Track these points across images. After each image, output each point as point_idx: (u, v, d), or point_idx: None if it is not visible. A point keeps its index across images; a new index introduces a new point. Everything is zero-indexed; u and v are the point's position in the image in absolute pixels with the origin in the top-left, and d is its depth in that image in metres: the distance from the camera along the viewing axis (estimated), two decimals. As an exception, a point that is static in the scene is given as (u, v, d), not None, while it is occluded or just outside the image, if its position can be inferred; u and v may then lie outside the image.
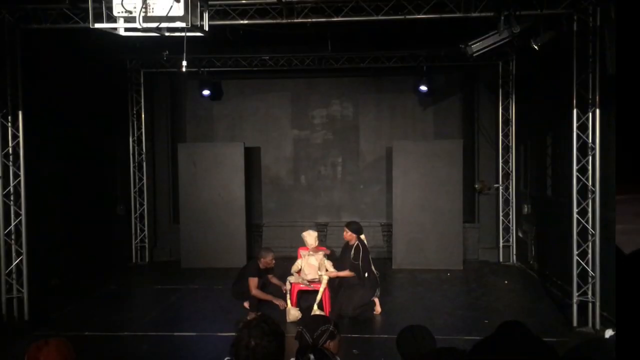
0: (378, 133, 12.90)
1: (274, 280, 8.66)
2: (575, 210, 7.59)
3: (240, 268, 9.03)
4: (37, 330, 7.51)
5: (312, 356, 3.36)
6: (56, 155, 9.75)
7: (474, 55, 7.98)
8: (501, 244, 11.99)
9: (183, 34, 4.86)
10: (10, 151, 8.02)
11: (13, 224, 8.04)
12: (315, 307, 7.96)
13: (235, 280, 8.65)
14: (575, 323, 7.62)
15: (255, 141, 12.91)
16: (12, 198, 8.03)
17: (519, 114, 11.57)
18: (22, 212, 8.04)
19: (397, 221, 11.52)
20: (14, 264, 8.03)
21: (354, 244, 8.28)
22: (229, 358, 3.15)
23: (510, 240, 11.90)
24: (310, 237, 8.49)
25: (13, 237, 8.04)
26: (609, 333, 3.08)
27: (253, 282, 8.15)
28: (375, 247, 11.94)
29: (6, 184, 8.02)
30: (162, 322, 8.33)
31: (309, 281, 8.22)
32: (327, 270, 8.22)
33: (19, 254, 8.05)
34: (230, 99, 13.07)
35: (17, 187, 8.05)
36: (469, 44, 7.92)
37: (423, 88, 11.89)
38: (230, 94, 13.06)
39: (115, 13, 4.51)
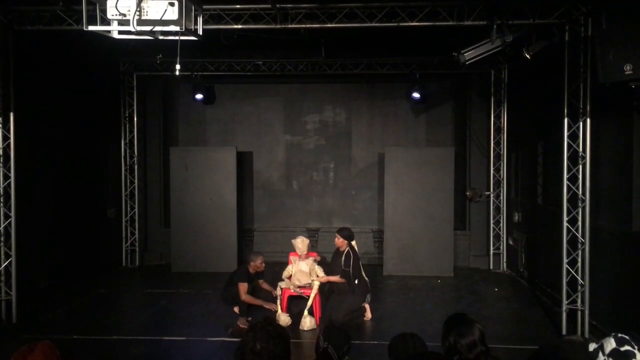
0: (370, 139, 12.93)
1: (265, 286, 8.65)
2: (565, 218, 7.64)
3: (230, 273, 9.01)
4: (25, 333, 7.46)
5: None
6: (47, 157, 9.70)
7: (467, 63, 8.04)
8: (492, 252, 12.03)
9: (177, 37, 4.85)
10: (1, 152, 7.99)
11: (2, 225, 8.00)
12: (306, 312, 7.95)
13: (224, 285, 8.62)
14: (564, 331, 7.66)
15: (248, 146, 12.91)
16: (1, 199, 7.99)
17: (511, 122, 11.64)
18: (12, 213, 8.01)
19: (389, 228, 11.54)
20: (2, 265, 7.98)
21: (344, 250, 8.28)
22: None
23: (501, 247, 11.93)
24: (303, 244, 8.46)
25: (2, 238, 7.99)
26: (592, 346, 3.09)
27: (243, 287, 8.12)
28: (366, 253, 11.97)
29: (-4, 186, 7.99)
30: (152, 326, 8.28)
31: (299, 287, 8.20)
32: (317, 276, 8.22)
33: (8, 255, 8.01)
34: (223, 103, 13.07)
35: (7, 188, 8.01)
36: (462, 52, 7.98)
37: (416, 95, 11.94)
38: (223, 99, 13.06)
39: (109, 16, 4.49)
